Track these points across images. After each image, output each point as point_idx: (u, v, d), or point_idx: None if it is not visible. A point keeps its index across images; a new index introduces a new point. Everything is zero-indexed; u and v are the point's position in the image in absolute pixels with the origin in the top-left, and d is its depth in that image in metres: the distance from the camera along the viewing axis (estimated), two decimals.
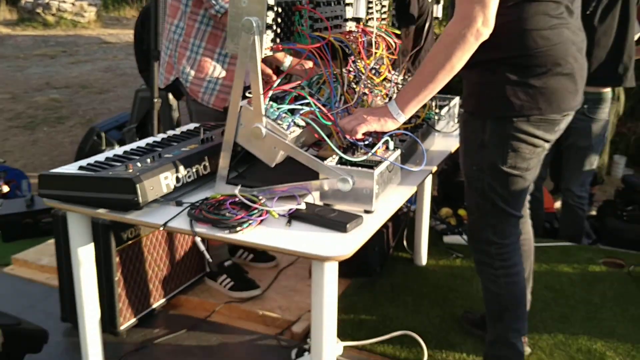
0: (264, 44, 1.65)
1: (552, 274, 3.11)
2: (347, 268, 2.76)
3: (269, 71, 2.89)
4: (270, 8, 1.64)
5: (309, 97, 1.75)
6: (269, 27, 1.66)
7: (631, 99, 5.91)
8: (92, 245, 1.88)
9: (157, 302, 2.74)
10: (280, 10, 1.70)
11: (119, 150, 1.97)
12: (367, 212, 1.68)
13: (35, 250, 3.41)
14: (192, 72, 2.62)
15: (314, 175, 1.71)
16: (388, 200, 1.77)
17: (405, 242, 3.32)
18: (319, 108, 1.76)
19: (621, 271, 3.17)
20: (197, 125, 2.36)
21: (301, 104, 1.78)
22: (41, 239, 3.59)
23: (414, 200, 3.28)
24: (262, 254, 3.22)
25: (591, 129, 3.36)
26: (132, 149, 1.97)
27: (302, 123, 1.77)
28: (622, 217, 3.75)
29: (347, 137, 1.79)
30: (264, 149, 1.71)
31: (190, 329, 2.65)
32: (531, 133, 1.85)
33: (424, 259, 3.26)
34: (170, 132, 2.18)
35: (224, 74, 2.63)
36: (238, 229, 1.56)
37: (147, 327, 2.66)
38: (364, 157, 1.74)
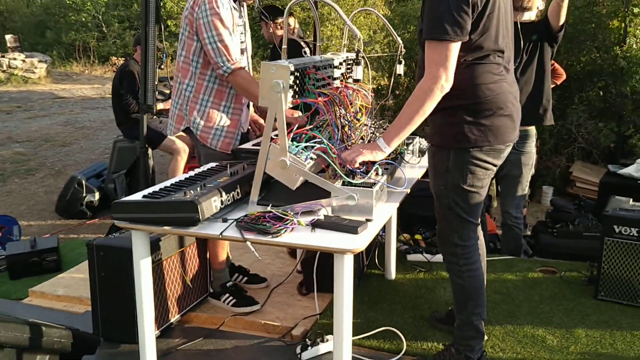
0: (288, 99, 2.24)
1: (499, 281, 3.75)
2: (330, 284, 3.28)
3: (261, 121, 3.51)
4: (292, 73, 2.23)
5: (322, 138, 2.33)
6: (290, 87, 2.25)
7: (554, 137, 6.77)
8: (150, 259, 2.38)
9: (174, 317, 3.19)
10: (297, 74, 2.30)
11: (168, 182, 2.49)
12: (368, 220, 2.25)
13: (49, 283, 3.78)
14: (202, 122, 3.14)
15: (325, 195, 2.28)
16: (381, 212, 2.35)
17: (376, 261, 3.90)
18: (329, 146, 2.34)
19: (555, 276, 3.84)
20: (213, 164, 2.88)
21: (313, 143, 2.37)
22: (47, 276, 3.95)
23: (383, 227, 3.88)
24: (254, 277, 3.72)
25: (521, 160, 4.06)
26: (175, 182, 2.49)
27: (314, 157, 2.35)
28: (553, 233, 4.47)
29: (347, 165, 2.37)
30: (288, 176, 2.27)
31: (206, 337, 3.12)
32: (483, 159, 2.46)
33: (393, 274, 3.84)
34: (197, 170, 2.71)
35: (228, 122, 3.17)
36: (278, 234, 2.11)
37: (168, 337, 3.10)
38: (362, 180, 2.32)
